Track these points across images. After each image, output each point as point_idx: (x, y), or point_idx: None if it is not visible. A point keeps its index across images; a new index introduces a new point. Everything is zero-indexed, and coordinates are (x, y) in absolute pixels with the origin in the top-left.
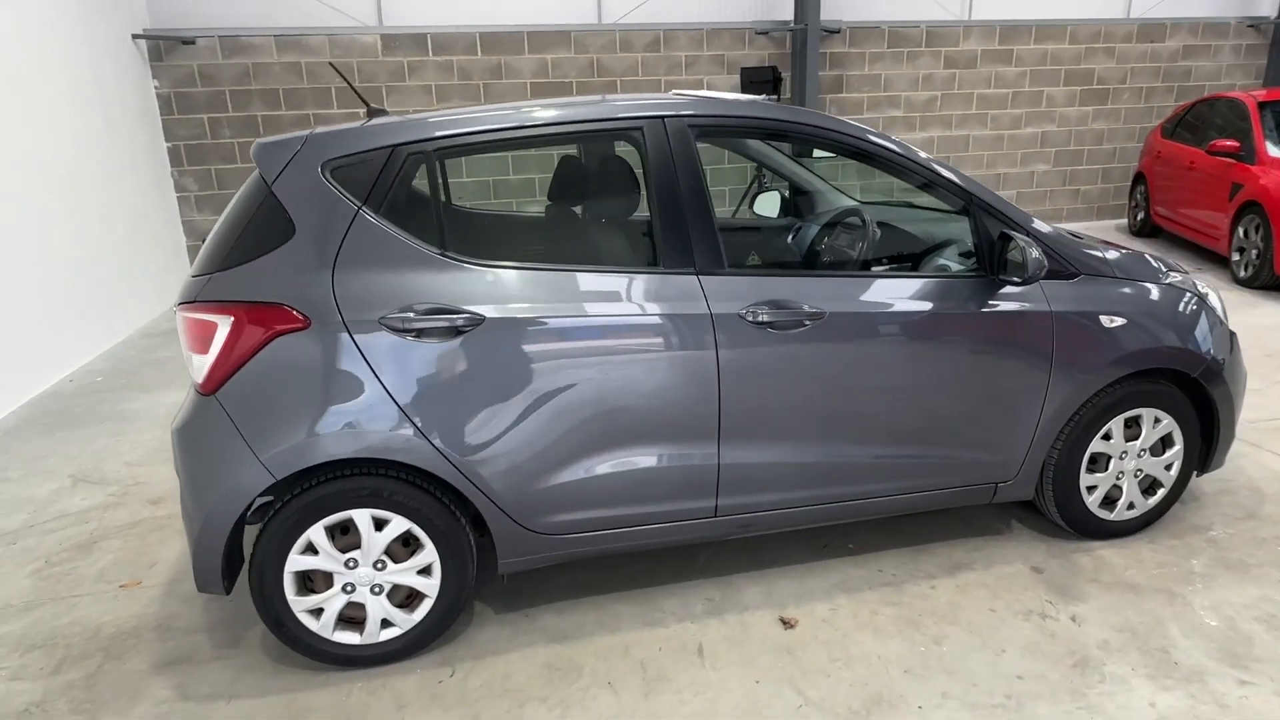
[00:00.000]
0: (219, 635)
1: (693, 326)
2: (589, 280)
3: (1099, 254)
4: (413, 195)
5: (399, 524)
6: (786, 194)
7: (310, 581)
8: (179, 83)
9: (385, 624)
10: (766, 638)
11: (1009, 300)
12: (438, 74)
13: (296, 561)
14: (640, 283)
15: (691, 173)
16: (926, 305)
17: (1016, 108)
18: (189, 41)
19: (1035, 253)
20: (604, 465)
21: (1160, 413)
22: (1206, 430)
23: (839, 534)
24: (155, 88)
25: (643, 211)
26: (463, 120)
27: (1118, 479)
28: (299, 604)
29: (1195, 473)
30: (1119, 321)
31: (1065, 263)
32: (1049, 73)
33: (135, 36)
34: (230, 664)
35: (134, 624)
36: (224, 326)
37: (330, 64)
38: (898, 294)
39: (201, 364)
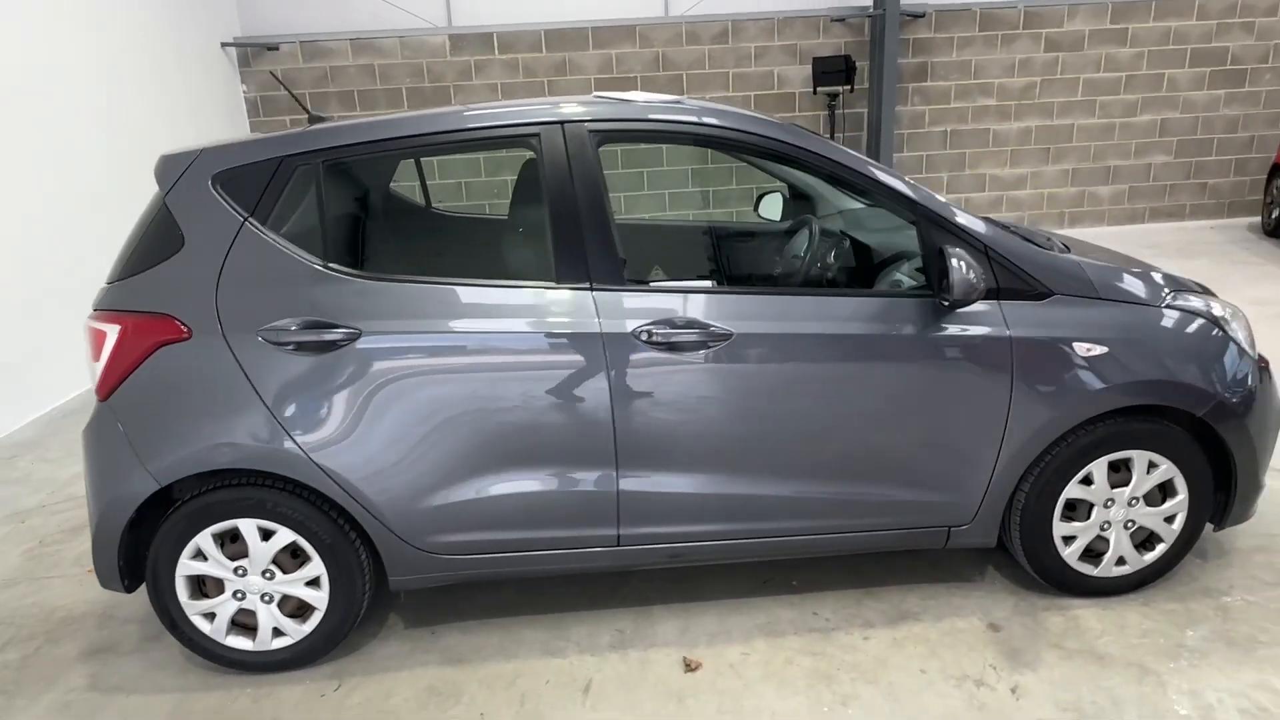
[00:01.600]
0: (149, 627)
1: (583, 344)
2: (474, 294)
3: (1079, 271)
4: (305, 207)
5: (284, 535)
6: (788, 195)
7: (204, 586)
8: (264, 87)
9: (277, 633)
10: (662, 680)
11: (957, 323)
12: (503, 72)
13: (187, 566)
14: (530, 297)
15: (590, 181)
16: (857, 327)
17: (1131, 93)
18: (273, 48)
19: (967, 271)
20: (494, 487)
21: (1156, 456)
22: (1223, 477)
23: (785, 569)
24: (244, 92)
25: (541, 221)
26: (352, 130)
27: (1103, 530)
28: (192, 607)
29: (1212, 526)
30: (1097, 350)
31: (1031, 281)
32: (1171, 53)
33: (224, 44)
34: (147, 658)
35: (84, 610)
36: (112, 335)
37: (271, 73)
38: (823, 314)
39: (95, 370)
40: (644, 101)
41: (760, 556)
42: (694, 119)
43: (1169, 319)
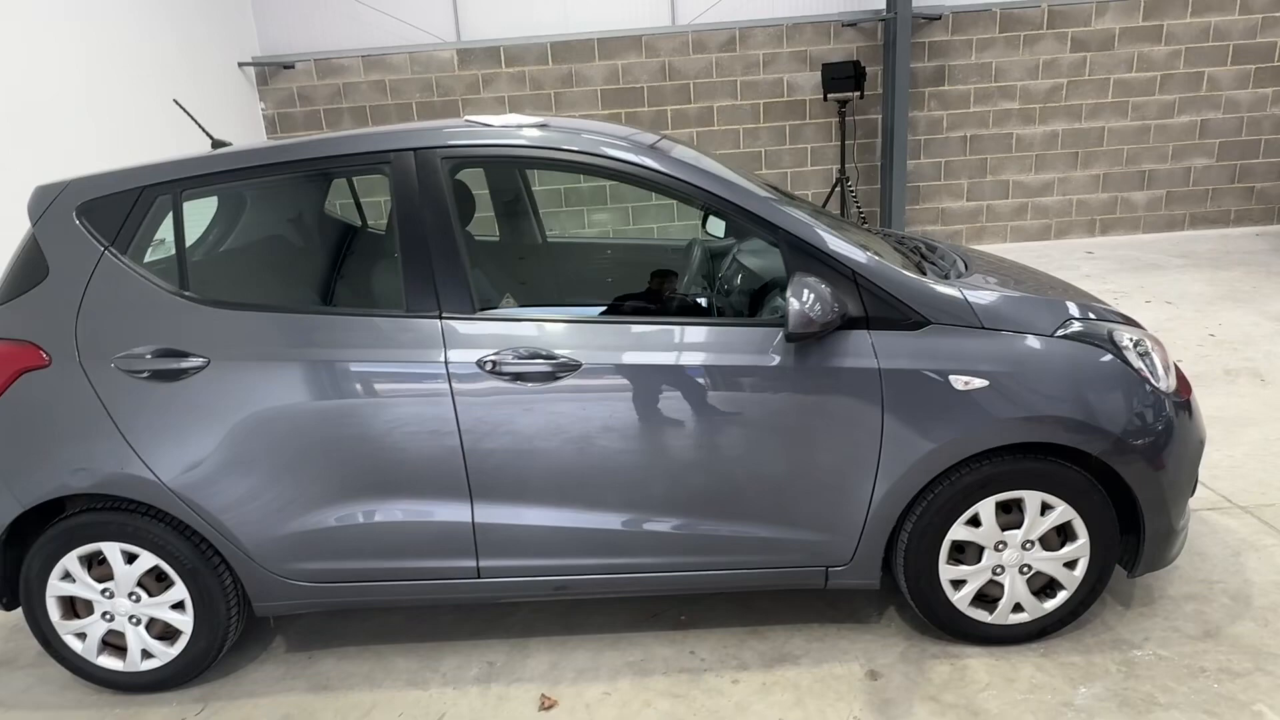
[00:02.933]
0: None
1: (429, 375)
2: (324, 323)
3: (960, 299)
4: (177, 236)
5: (148, 559)
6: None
7: (76, 606)
8: (281, 104)
9: (146, 654)
10: (506, 716)
11: (821, 354)
12: (510, 85)
13: (57, 587)
14: (379, 326)
15: (439, 208)
16: (713, 358)
17: (1167, 93)
18: (289, 66)
19: (807, 303)
20: (350, 517)
21: (1050, 497)
22: (1134, 520)
23: (675, 603)
24: (262, 109)
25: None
26: (209, 160)
27: (996, 574)
28: (64, 627)
29: (1126, 573)
30: (977, 383)
31: (905, 310)
32: (1211, 50)
33: (242, 64)
34: (39, 673)
35: (10, 619)
36: None
37: (175, 101)
38: (679, 343)
39: None
40: (501, 125)
41: (638, 592)
42: (541, 144)
43: (1060, 350)
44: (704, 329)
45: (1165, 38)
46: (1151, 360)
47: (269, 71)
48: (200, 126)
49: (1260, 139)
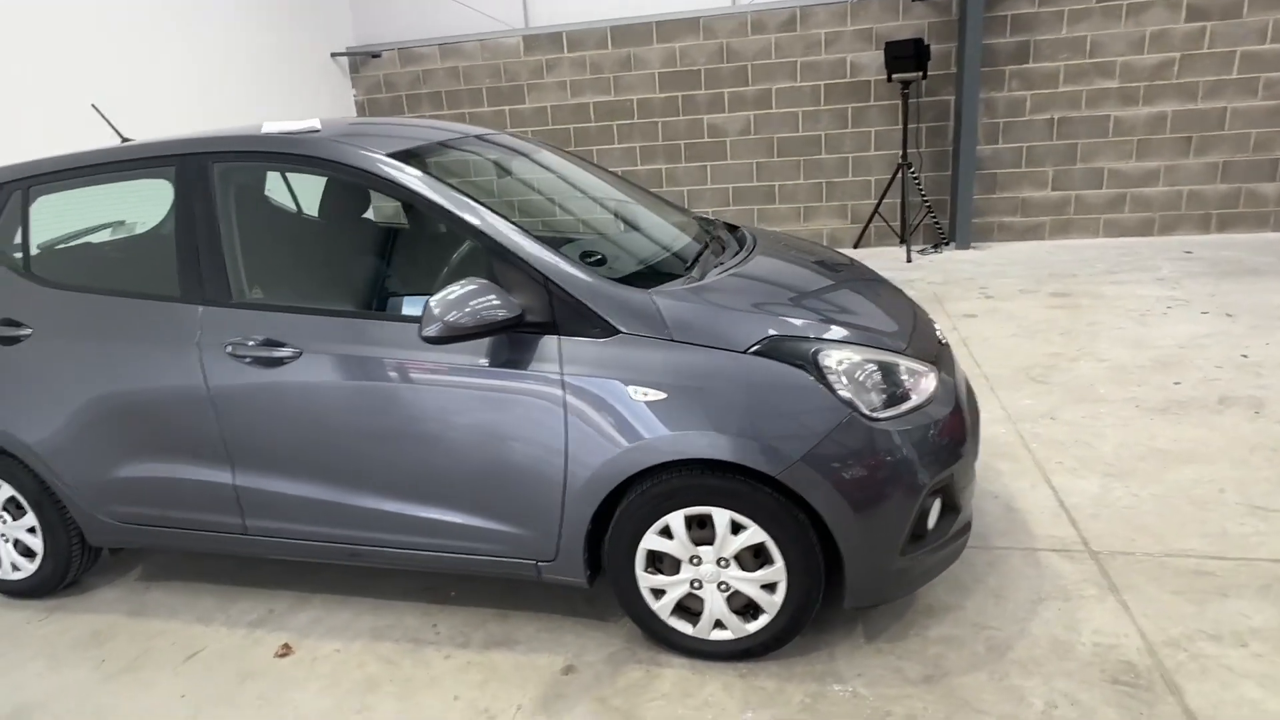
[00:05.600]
0: None
1: (186, 355)
2: (118, 305)
3: (652, 310)
4: (23, 225)
5: (6, 489)
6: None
7: None
8: (369, 90)
9: (15, 567)
10: (251, 660)
11: (508, 356)
12: (572, 70)
13: None
14: (159, 311)
15: (208, 208)
16: (410, 353)
17: None
18: (376, 55)
19: (439, 308)
20: (139, 470)
21: (740, 516)
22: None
23: (457, 581)
24: (354, 96)
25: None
26: (52, 160)
27: (695, 588)
28: None
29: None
30: (655, 396)
31: (594, 318)
32: None
33: (334, 54)
34: None
35: None
36: None
37: (93, 105)
38: (383, 337)
39: None
40: (265, 133)
41: (382, 565)
42: (268, 148)
43: (749, 367)
44: (400, 324)
45: None
46: (867, 387)
47: (359, 61)
48: (115, 130)
49: None
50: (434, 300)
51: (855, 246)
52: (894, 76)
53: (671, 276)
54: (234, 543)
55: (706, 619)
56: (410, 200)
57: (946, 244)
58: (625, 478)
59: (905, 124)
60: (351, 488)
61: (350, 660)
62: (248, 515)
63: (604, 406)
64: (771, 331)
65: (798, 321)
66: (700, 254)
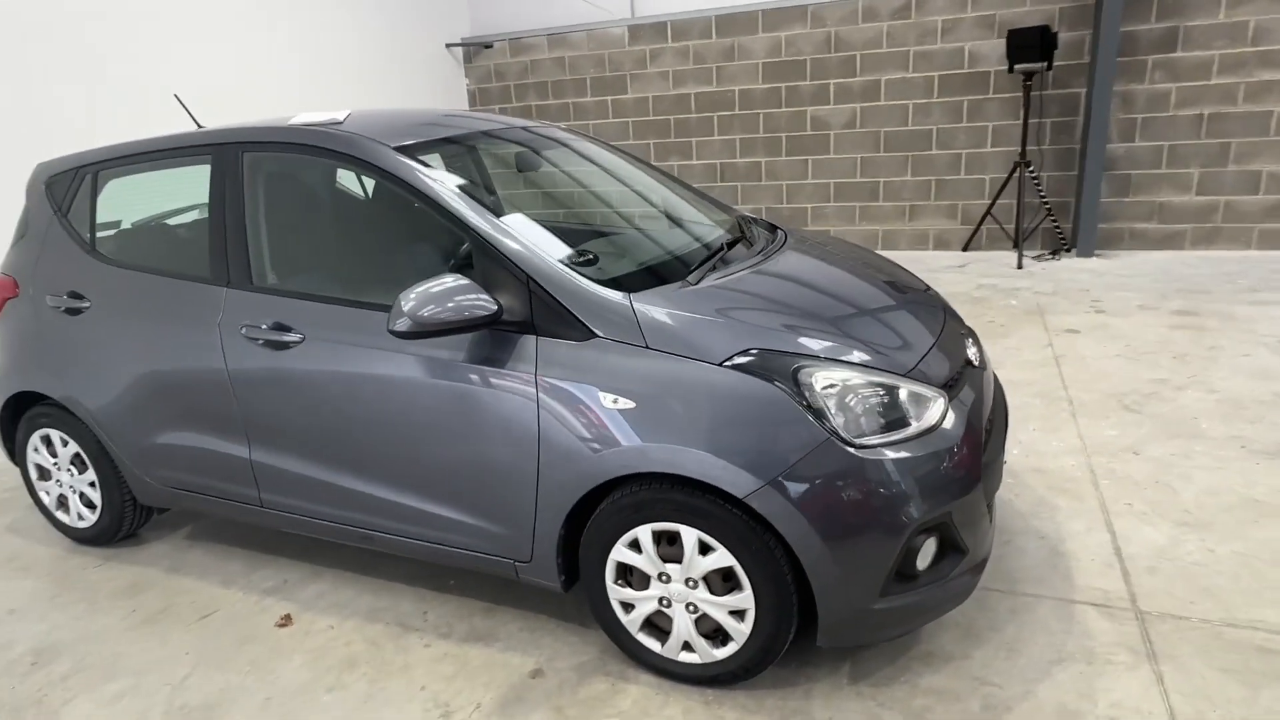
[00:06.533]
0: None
1: (211, 336)
2: (158, 284)
3: (628, 315)
4: (92, 206)
5: (73, 446)
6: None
7: (45, 473)
8: (480, 80)
9: (81, 517)
10: (254, 626)
11: (487, 354)
12: (675, 60)
13: (33, 456)
14: (189, 291)
15: (236, 194)
16: (397, 343)
17: None
18: (488, 45)
19: (410, 304)
20: (172, 439)
21: (708, 537)
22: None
23: (455, 570)
24: (466, 86)
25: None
26: (115, 148)
27: (664, 606)
28: (41, 486)
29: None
30: (625, 404)
31: (572, 320)
32: None
33: (450, 45)
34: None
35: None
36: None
37: (175, 96)
38: (378, 328)
39: None
40: (290, 124)
41: (383, 550)
42: (324, 143)
43: (722, 381)
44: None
45: None
46: (854, 409)
47: (472, 51)
48: (194, 119)
49: None
50: (404, 295)
51: (964, 249)
52: (1016, 67)
53: (670, 279)
54: (252, 514)
55: (675, 639)
56: (407, 192)
57: (1067, 250)
58: (595, 485)
59: (1026, 119)
60: (351, 472)
61: (339, 638)
62: (262, 489)
63: (576, 411)
64: (751, 344)
65: (784, 334)
66: (711, 256)
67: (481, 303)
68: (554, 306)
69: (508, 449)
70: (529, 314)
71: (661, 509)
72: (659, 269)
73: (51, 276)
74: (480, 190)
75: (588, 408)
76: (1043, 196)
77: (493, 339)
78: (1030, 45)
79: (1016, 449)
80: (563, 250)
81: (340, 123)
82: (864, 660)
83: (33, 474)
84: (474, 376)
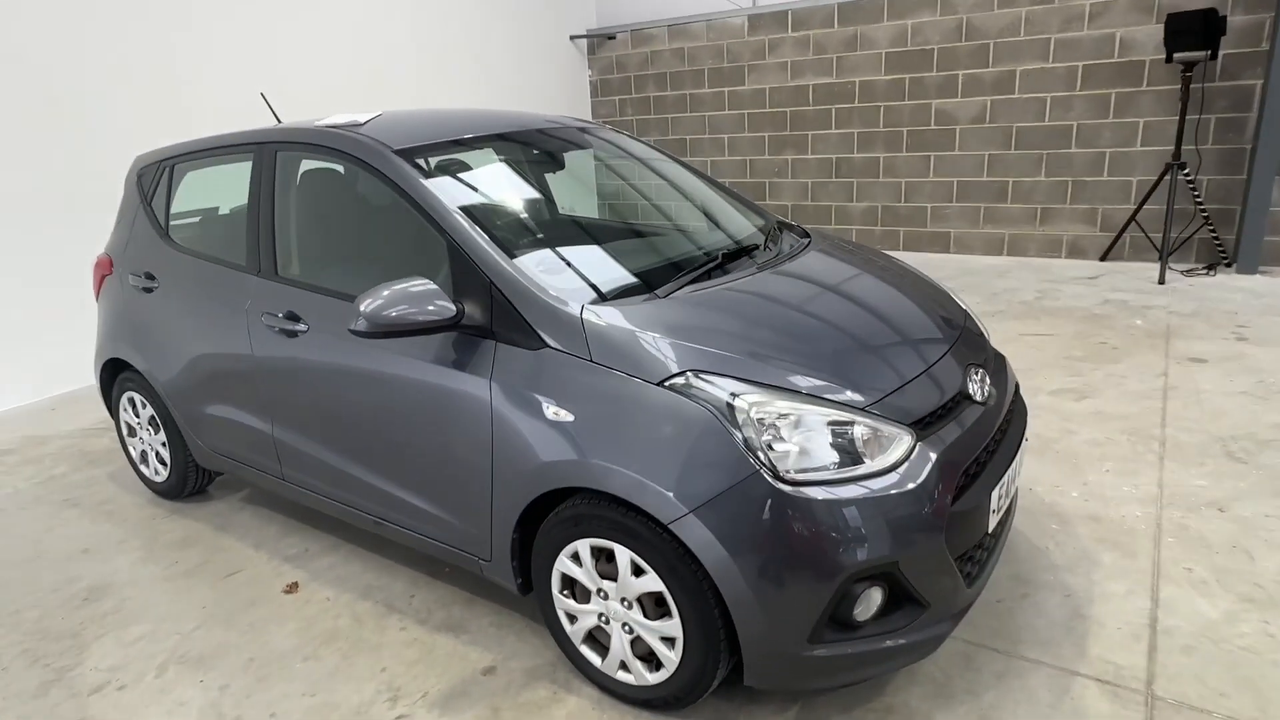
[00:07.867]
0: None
1: (240, 321)
2: (206, 269)
3: (577, 328)
4: (172, 196)
5: (147, 412)
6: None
7: (133, 431)
8: (602, 71)
9: (157, 473)
10: (266, 587)
11: (448, 356)
12: (794, 50)
13: (126, 414)
14: (234, 279)
15: (268, 190)
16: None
17: None
18: (611, 37)
19: (370, 303)
20: (216, 411)
21: (639, 560)
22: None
23: None
24: (589, 77)
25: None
26: (193, 142)
27: (603, 622)
28: (130, 442)
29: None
30: (565, 416)
31: (527, 328)
32: None
33: (574, 37)
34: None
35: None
36: (100, 266)
37: (260, 94)
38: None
39: None
40: (317, 126)
41: (381, 533)
42: (320, 141)
43: (656, 401)
44: None
45: None
46: (791, 442)
47: (596, 42)
48: (275, 116)
49: None
50: (363, 295)
51: (1102, 259)
52: (1175, 56)
53: (654, 286)
54: (277, 485)
55: (613, 657)
56: (396, 192)
57: (1226, 265)
58: (537, 494)
59: (1183, 115)
60: (348, 457)
61: (330, 610)
62: (284, 464)
63: (524, 420)
64: (691, 365)
65: (731, 357)
66: (705, 265)
67: (438, 306)
68: (512, 314)
69: (469, 451)
70: (489, 319)
71: (599, 526)
72: (647, 276)
73: (135, 258)
74: (474, 193)
75: (535, 418)
76: (1199, 202)
77: (458, 341)
78: (1193, 31)
79: (1076, 492)
80: (536, 256)
81: (361, 124)
82: (816, 706)
83: (124, 430)
84: (442, 377)
